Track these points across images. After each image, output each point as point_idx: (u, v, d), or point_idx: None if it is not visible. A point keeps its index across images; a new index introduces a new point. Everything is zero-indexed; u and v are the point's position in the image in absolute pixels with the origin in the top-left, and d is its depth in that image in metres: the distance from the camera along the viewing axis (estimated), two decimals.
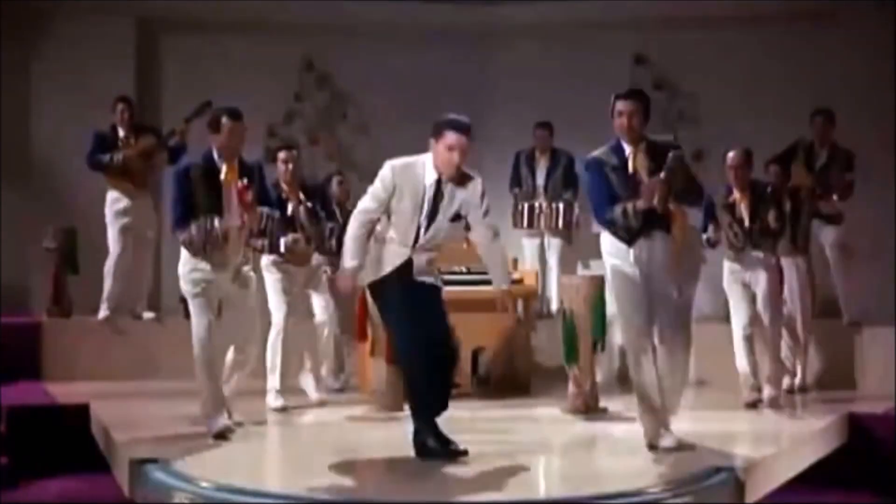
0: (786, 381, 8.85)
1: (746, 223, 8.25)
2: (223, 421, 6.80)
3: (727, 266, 8.42)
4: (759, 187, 8.38)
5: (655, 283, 6.31)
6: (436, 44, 12.10)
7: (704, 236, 8.43)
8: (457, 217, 6.22)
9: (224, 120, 6.85)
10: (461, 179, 6.20)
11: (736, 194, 8.31)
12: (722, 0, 11.65)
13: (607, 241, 6.42)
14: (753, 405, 8.12)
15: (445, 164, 6.14)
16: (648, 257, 6.30)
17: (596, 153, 6.43)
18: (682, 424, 6.66)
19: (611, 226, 6.34)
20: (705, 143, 11.42)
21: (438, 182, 6.16)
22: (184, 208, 6.75)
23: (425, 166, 6.19)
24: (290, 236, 7.90)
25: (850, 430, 7.64)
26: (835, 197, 9.59)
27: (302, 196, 8.31)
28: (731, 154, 8.30)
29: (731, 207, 8.31)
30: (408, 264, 6.15)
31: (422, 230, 6.15)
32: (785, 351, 8.87)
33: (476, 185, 6.24)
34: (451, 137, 6.12)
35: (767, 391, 8.23)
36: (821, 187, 9.54)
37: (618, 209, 6.26)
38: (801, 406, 8.40)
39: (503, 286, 6.39)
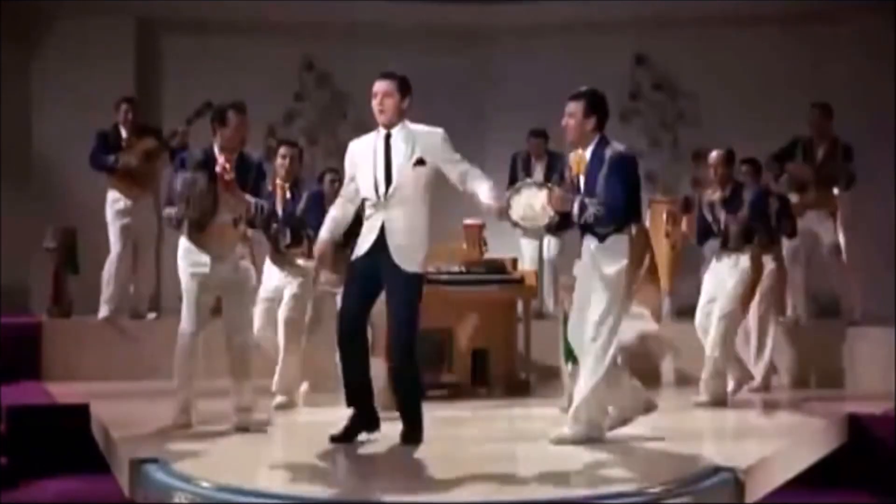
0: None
1: (723, 222, 8.31)
2: (183, 418, 6.95)
3: (711, 264, 8.60)
4: (738, 188, 8.43)
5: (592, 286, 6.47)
6: (436, 44, 12.11)
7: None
8: (419, 162, 6.32)
9: (230, 114, 6.90)
10: (414, 130, 6.39)
11: (716, 193, 8.37)
12: (722, 0, 11.65)
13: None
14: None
15: (375, 113, 6.40)
16: (584, 258, 6.54)
17: (571, 154, 6.66)
18: (683, 424, 6.66)
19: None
20: (705, 143, 11.41)
21: (387, 136, 6.37)
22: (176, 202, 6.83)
23: (378, 132, 6.44)
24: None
25: (849, 431, 7.63)
26: (835, 191, 9.62)
27: (287, 195, 8.31)
28: (712, 154, 8.45)
29: (711, 206, 8.39)
30: (381, 236, 6.29)
31: (387, 180, 6.30)
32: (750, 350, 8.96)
33: (434, 136, 6.39)
34: (374, 86, 6.43)
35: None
36: (822, 181, 9.57)
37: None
38: (801, 406, 8.39)
39: (493, 202, 6.38)
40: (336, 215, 6.61)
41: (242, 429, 6.90)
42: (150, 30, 12.02)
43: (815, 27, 11.49)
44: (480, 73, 12.28)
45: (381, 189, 6.32)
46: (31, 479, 7.39)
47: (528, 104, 11.64)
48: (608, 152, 6.41)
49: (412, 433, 6.45)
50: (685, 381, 9.62)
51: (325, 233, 6.59)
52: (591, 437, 6.39)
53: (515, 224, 6.81)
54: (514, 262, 9.43)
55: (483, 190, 6.37)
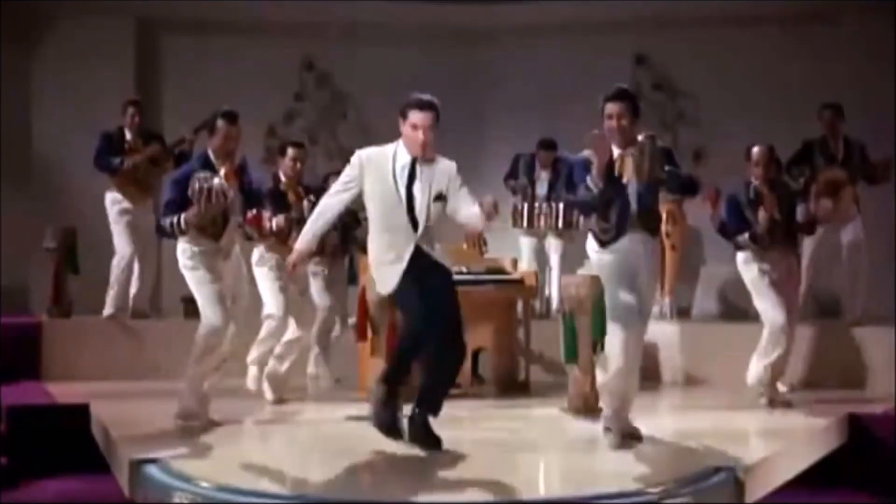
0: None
1: (765, 220, 8.14)
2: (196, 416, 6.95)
3: (754, 266, 8.23)
4: (780, 184, 8.34)
5: (639, 283, 6.37)
6: (436, 44, 12.12)
7: (743, 237, 8.21)
8: (439, 197, 6.18)
9: (220, 123, 6.90)
10: (435, 161, 6.22)
11: (762, 190, 8.20)
12: (722, 0, 11.65)
13: (591, 240, 6.52)
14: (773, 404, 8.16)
15: (412, 143, 6.14)
16: (627, 258, 6.35)
17: (583, 153, 6.48)
18: (683, 424, 6.65)
19: (582, 211, 6.40)
20: (705, 143, 11.42)
21: (413, 163, 6.17)
22: (175, 209, 6.81)
23: (396, 151, 6.22)
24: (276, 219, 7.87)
25: (850, 431, 7.60)
26: (836, 196, 9.60)
27: (301, 192, 8.34)
28: (755, 149, 8.19)
29: (758, 204, 8.16)
30: (416, 256, 6.14)
31: (413, 215, 6.13)
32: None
33: (451, 168, 6.25)
34: (414, 116, 6.13)
35: (780, 388, 8.30)
36: (854, 178, 9.57)
37: (581, 187, 6.29)
38: (801, 406, 8.37)
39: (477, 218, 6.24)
40: (327, 208, 6.33)
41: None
42: (150, 30, 12.02)
43: (815, 27, 11.48)
44: (480, 73, 12.26)
45: (410, 225, 6.16)
46: (31, 479, 7.37)
47: (528, 104, 11.66)
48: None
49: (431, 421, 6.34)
50: (685, 380, 9.61)
51: (301, 242, 6.35)
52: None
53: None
54: (514, 262, 9.43)
55: (474, 210, 6.22)
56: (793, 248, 8.42)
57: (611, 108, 6.32)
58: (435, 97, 6.21)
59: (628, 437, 6.43)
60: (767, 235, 8.13)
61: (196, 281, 6.92)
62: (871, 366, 9.14)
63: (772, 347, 8.17)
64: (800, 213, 8.29)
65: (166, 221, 6.83)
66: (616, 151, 6.29)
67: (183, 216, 6.75)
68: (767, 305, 8.18)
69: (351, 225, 8.70)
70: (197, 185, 6.70)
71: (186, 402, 7.01)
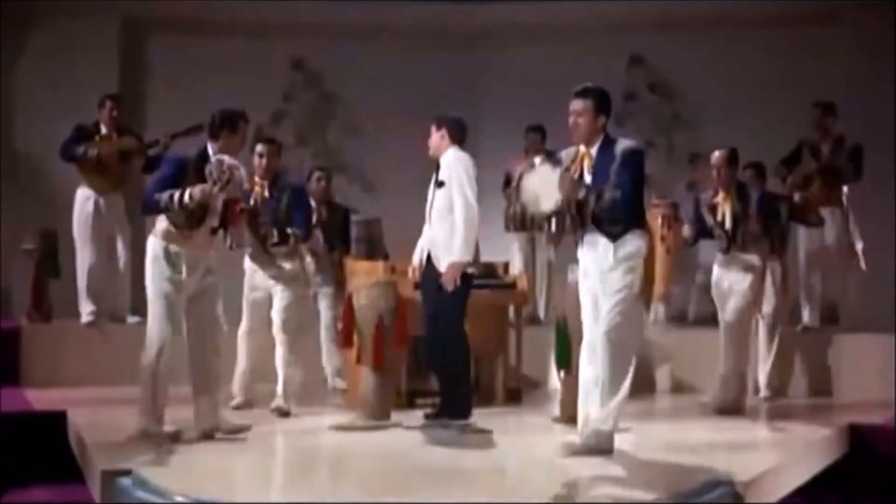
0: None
1: (728, 225, 8.17)
2: (160, 429, 6.65)
3: (715, 268, 8.38)
4: (743, 189, 8.24)
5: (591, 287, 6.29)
6: (429, 44, 12.07)
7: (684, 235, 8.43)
8: (440, 185, 7.11)
9: (242, 123, 6.81)
10: (445, 158, 7.21)
11: (720, 195, 8.22)
12: (721, 0, 11.53)
13: None
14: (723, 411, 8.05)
15: None
16: (583, 257, 6.33)
17: (563, 151, 6.45)
18: (680, 434, 6.55)
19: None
20: (702, 145, 11.26)
21: (437, 164, 7.23)
22: (170, 185, 6.53)
23: None
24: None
25: (850, 441, 7.51)
26: (844, 189, 9.48)
27: (265, 193, 8.10)
28: (715, 154, 8.26)
29: (714, 209, 8.22)
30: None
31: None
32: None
33: (450, 157, 7.18)
34: None
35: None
36: (826, 176, 9.46)
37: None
38: (800, 416, 8.23)
39: (448, 260, 7.06)
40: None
41: (207, 436, 6.69)
42: (136, 29, 11.92)
43: (815, 27, 11.41)
44: (474, 74, 12.18)
45: (428, 209, 7.20)
46: (6, 488, 7.19)
47: (524, 105, 11.55)
48: (619, 147, 6.23)
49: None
50: (681, 388, 9.48)
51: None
52: (602, 450, 6.16)
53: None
54: (506, 266, 9.24)
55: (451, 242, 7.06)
56: (767, 253, 8.29)
57: (571, 105, 6.34)
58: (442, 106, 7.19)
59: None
60: (728, 241, 8.18)
61: (156, 288, 6.70)
62: (871, 375, 9.06)
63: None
64: (754, 220, 8.20)
65: (164, 196, 6.50)
66: (582, 149, 6.31)
67: (191, 190, 6.45)
68: (718, 309, 8.34)
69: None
70: (220, 167, 6.44)
71: (142, 417, 6.72)
